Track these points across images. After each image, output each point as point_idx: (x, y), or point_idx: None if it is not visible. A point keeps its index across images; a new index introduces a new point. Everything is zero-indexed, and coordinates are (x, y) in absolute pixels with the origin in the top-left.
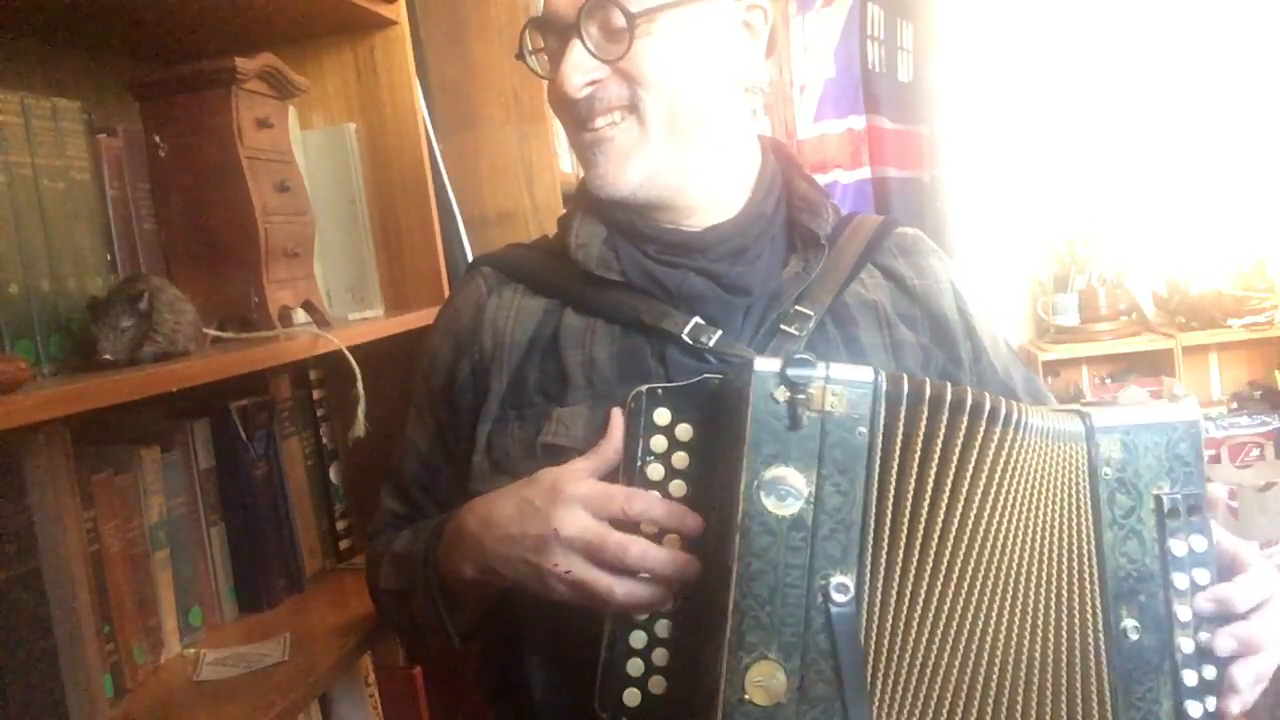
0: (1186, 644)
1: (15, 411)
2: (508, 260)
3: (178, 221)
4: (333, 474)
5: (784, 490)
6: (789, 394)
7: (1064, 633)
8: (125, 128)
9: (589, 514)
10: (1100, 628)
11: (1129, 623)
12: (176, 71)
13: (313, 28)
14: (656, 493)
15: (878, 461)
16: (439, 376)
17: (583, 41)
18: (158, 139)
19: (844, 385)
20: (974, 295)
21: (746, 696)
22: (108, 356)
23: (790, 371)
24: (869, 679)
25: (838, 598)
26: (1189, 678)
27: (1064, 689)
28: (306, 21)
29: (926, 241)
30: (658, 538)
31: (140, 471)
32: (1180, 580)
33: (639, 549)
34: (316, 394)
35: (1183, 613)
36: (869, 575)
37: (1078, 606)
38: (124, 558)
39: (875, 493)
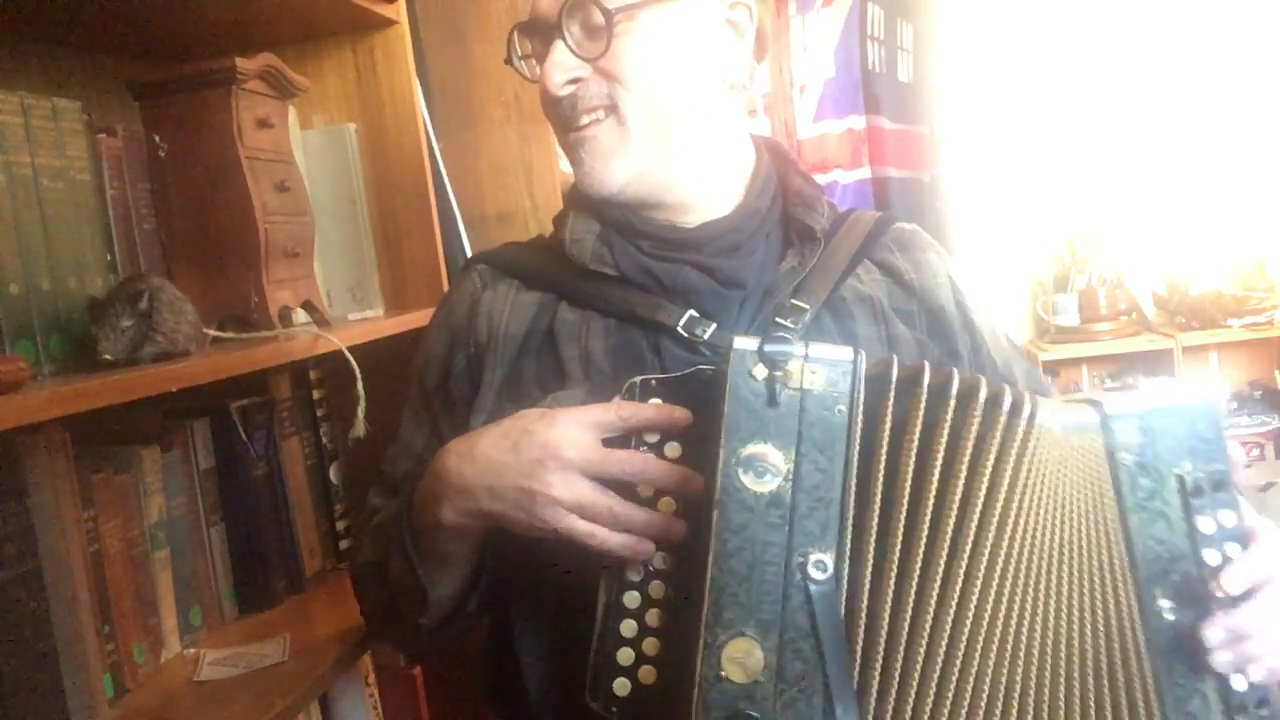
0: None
1: (15, 411)
2: (503, 257)
3: (178, 221)
4: (333, 474)
5: (762, 467)
6: (767, 371)
7: (1097, 617)
8: (125, 128)
9: (587, 435)
10: (1136, 610)
11: (1164, 603)
12: (176, 71)
13: (313, 28)
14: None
15: (858, 440)
16: (435, 372)
17: (564, 40)
18: (158, 139)
19: (823, 363)
20: (973, 289)
21: (723, 673)
22: (108, 356)
23: (768, 348)
24: (859, 656)
25: (816, 575)
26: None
27: (1106, 673)
28: (306, 21)
29: (924, 236)
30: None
31: (140, 471)
32: (1212, 556)
33: (641, 460)
34: (316, 394)
35: (1218, 588)
36: (850, 553)
37: (1110, 591)
38: (124, 558)
39: (855, 471)
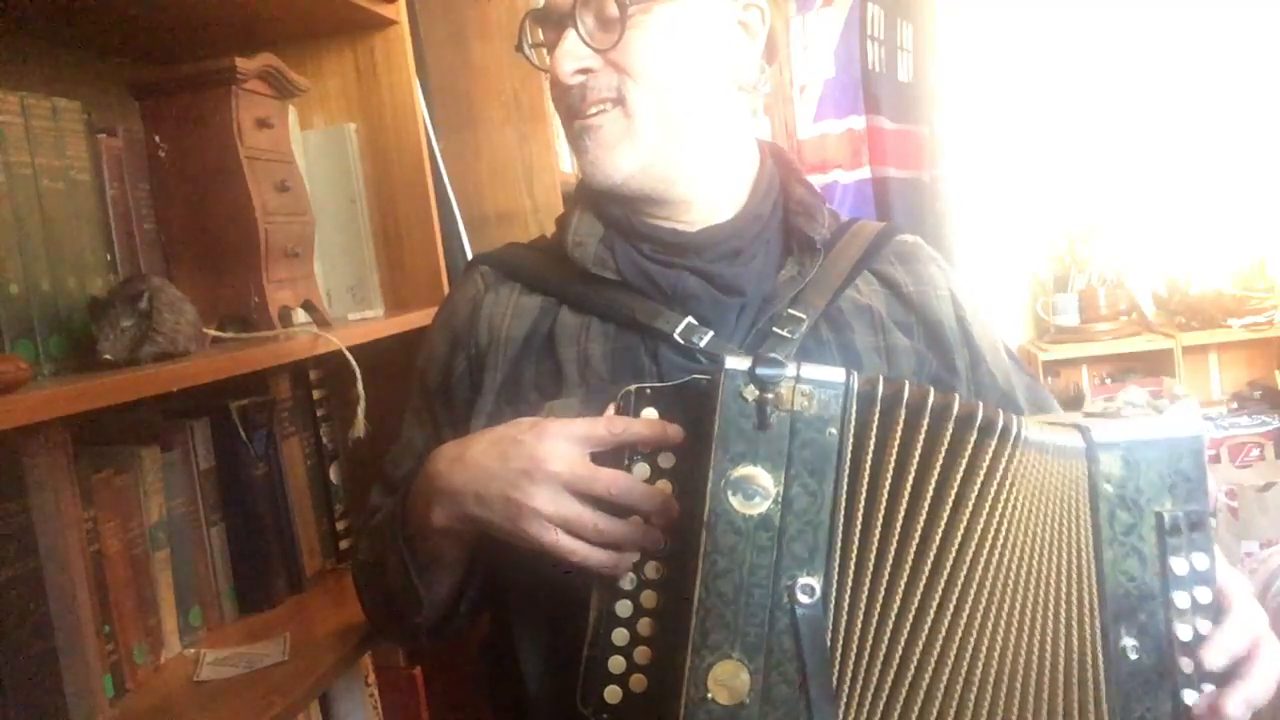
0: (1186, 664)
1: (15, 411)
2: (505, 259)
3: (178, 221)
4: (333, 474)
5: (751, 489)
6: (758, 393)
7: (1060, 649)
8: (125, 128)
9: (575, 450)
10: (1099, 646)
11: (1128, 641)
12: (176, 71)
13: (313, 28)
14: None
15: (848, 463)
16: (436, 373)
17: (576, 30)
18: (158, 139)
19: (814, 385)
20: (975, 303)
21: (709, 695)
22: (108, 356)
23: (759, 370)
24: (835, 682)
25: (803, 599)
26: (1189, 697)
27: (1060, 706)
28: (306, 21)
29: (926, 249)
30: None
31: (140, 471)
32: (1181, 599)
33: (626, 482)
34: (316, 394)
35: (1183, 632)
36: (837, 578)
37: (1076, 624)
38: (124, 558)
39: (845, 494)
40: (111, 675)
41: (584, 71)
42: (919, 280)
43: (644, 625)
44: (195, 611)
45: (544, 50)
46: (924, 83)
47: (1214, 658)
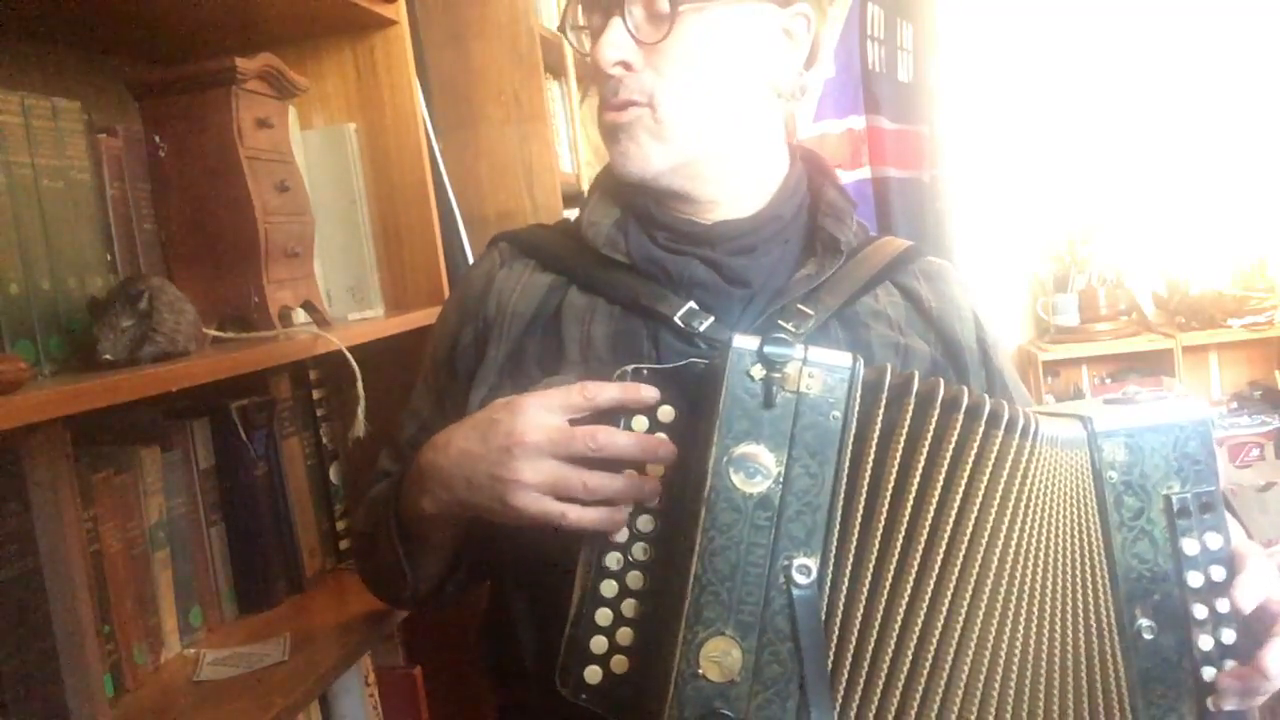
0: (1205, 641)
1: (15, 411)
2: (525, 236)
3: (178, 221)
4: (333, 474)
5: (753, 468)
6: (764, 372)
7: (1077, 634)
8: (125, 128)
9: (552, 418)
10: (1115, 629)
11: (1144, 622)
12: (176, 71)
13: (313, 28)
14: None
15: (849, 447)
16: (444, 342)
17: (624, 20)
18: (158, 139)
19: (821, 368)
20: (997, 333)
21: (700, 671)
22: (108, 356)
23: (767, 349)
24: (831, 664)
25: (799, 579)
26: (1208, 674)
27: (1084, 689)
28: (306, 21)
29: (954, 272)
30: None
31: (140, 471)
32: (1195, 578)
33: (605, 433)
34: (316, 394)
35: (1199, 610)
36: (834, 560)
37: (1090, 608)
38: (124, 558)
39: (845, 478)
40: (111, 675)
41: (623, 65)
42: (942, 298)
43: (628, 606)
44: (195, 611)
45: (585, 35)
46: (924, 83)
47: (1246, 599)
